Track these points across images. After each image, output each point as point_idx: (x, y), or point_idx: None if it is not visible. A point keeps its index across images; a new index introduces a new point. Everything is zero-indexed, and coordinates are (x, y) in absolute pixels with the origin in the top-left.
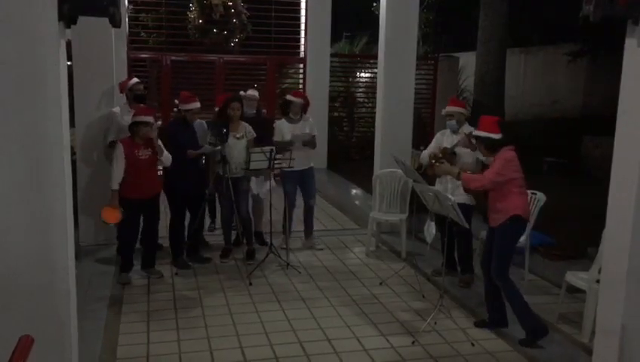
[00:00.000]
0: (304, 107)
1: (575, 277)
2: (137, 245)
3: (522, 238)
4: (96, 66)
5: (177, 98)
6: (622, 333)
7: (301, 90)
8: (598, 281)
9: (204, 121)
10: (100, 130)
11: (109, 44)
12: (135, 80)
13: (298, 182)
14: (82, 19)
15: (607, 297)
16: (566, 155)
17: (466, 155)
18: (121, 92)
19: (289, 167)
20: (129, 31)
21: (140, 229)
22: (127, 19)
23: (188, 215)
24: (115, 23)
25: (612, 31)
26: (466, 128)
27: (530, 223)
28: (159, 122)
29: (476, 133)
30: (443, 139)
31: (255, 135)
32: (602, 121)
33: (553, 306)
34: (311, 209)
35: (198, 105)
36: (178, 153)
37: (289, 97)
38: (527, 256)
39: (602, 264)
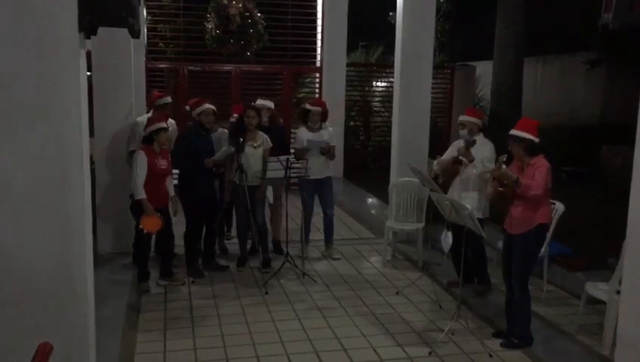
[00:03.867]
0: (323, 115)
1: (595, 288)
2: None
3: (542, 248)
4: (116, 76)
5: (189, 106)
6: None
7: (320, 99)
8: (618, 292)
9: (225, 130)
10: (118, 139)
11: (128, 54)
12: (168, 99)
13: (315, 191)
14: (102, 30)
15: (627, 308)
16: (584, 164)
17: (471, 166)
18: (148, 105)
19: (305, 176)
20: (147, 41)
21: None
22: (145, 30)
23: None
24: (134, 33)
25: (630, 39)
26: (478, 139)
27: (549, 233)
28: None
29: (518, 133)
30: (456, 149)
31: (271, 145)
32: (621, 129)
33: (573, 317)
34: (329, 219)
35: (208, 105)
36: (194, 161)
37: (307, 106)
38: (546, 266)
39: (623, 275)
